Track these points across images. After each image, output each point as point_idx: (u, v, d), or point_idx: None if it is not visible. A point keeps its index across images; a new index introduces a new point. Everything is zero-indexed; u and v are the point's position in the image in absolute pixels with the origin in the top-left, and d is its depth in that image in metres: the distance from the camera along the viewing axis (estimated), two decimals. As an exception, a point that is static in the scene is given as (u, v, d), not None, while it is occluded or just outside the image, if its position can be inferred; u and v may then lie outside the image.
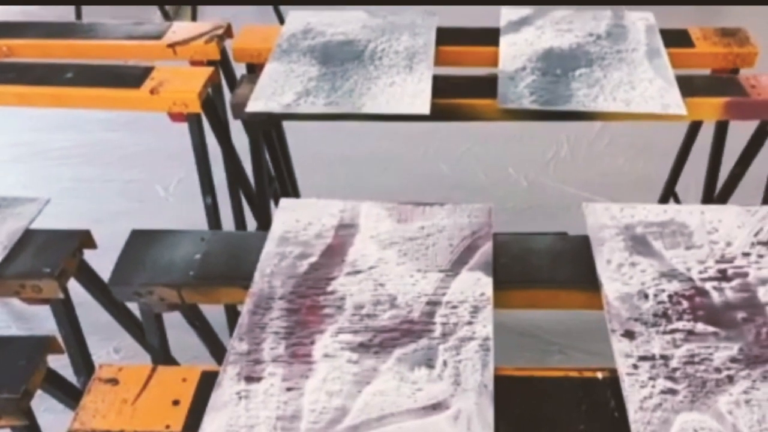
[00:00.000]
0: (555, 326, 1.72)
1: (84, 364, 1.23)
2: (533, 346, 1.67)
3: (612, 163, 2.33)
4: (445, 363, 0.87)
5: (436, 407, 0.82)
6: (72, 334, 1.19)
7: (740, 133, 1.55)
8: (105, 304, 1.25)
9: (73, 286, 1.16)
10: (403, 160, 2.35)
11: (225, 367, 0.88)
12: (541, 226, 1.87)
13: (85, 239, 1.16)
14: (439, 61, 1.47)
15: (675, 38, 1.52)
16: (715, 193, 1.69)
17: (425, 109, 1.31)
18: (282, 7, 3.05)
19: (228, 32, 1.60)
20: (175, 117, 1.44)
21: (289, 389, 0.85)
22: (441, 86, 1.37)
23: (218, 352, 1.24)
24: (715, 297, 0.94)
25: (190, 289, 1.03)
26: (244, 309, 0.95)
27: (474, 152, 2.38)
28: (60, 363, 1.10)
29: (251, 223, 1.82)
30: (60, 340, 1.08)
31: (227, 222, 1.72)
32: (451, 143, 2.38)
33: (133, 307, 1.19)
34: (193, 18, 3.11)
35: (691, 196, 1.95)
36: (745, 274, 0.97)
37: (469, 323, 0.91)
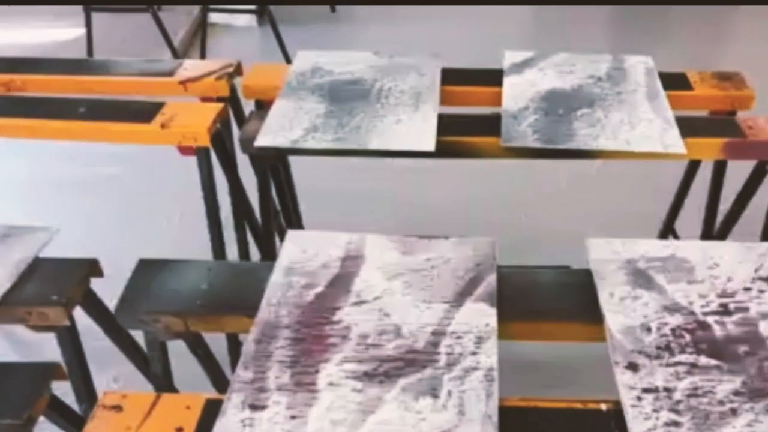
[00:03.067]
0: (556, 360, 1.72)
1: (86, 391, 1.23)
2: (535, 380, 1.67)
3: (611, 199, 2.35)
4: (449, 393, 0.87)
5: (441, 437, 0.82)
6: (76, 362, 1.19)
7: (740, 168, 1.58)
8: (109, 331, 1.26)
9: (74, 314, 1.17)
10: (405, 194, 2.38)
11: (230, 395, 0.88)
12: (540, 260, 1.89)
13: (92, 268, 1.18)
14: (444, 100, 1.50)
15: (674, 81, 1.56)
16: (714, 230, 1.71)
17: (431, 146, 1.34)
18: (289, 48, 3.13)
19: (238, 70, 1.64)
20: (185, 151, 1.47)
21: (293, 417, 0.85)
22: (446, 124, 1.40)
23: (220, 381, 1.24)
24: (717, 331, 0.95)
25: (197, 318, 1.04)
26: (250, 337, 0.96)
27: (475, 187, 2.41)
28: (60, 391, 1.10)
29: (255, 256, 1.83)
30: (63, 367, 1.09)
31: (231, 254, 1.73)
32: (453, 178, 2.41)
33: (136, 335, 1.20)
34: (202, 56, 3.19)
35: (689, 233, 1.97)
36: (747, 309, 0.98)
37: (474, 353, 0.92)
